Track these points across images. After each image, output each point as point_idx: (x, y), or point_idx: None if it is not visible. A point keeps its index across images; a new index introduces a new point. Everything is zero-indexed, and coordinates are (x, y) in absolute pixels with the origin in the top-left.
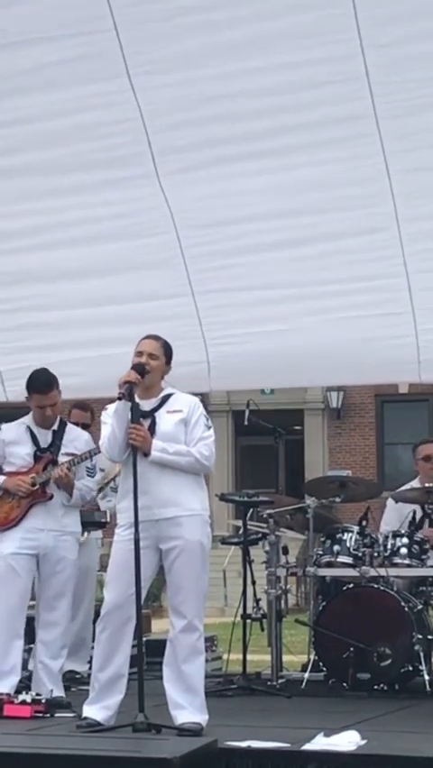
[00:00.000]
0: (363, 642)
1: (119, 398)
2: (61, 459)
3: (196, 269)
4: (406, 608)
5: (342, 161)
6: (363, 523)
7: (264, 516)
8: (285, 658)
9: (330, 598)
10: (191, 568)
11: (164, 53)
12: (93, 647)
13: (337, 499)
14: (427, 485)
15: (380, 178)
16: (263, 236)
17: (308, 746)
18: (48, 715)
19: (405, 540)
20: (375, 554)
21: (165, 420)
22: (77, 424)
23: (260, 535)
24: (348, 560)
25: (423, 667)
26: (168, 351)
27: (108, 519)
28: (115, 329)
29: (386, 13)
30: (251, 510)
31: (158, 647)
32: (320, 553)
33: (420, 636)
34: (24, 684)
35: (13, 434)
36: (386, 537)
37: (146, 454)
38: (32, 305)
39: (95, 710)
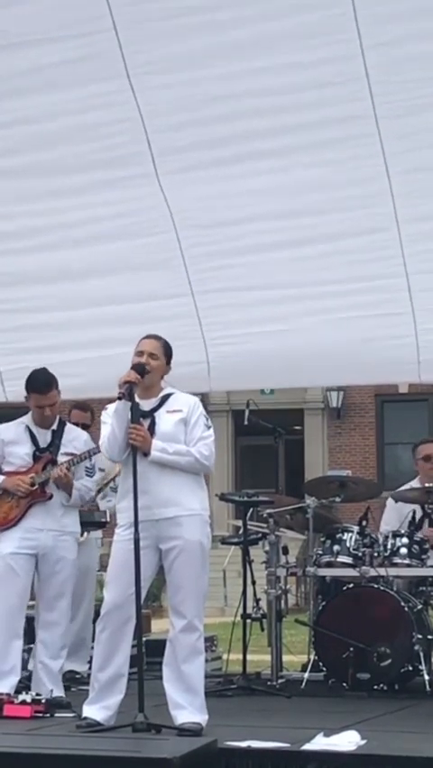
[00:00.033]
0: (363, 642)
1: (119, 398)
2: (60, 459)
3: (196, 269)
4: (406, 608)
5: (342, 162)
6: (363, 523)
7: (264, 516)
8: (285, 658)
9: (330, 598)
10: (191, 568)
11: (164, 53)
12: (93, 647)
13: (337, 499)
14: (427, 485)
15: (380, 178)
16: (263, 236)
17: (308, 746)
18: (48, 715)
19: (405, 540)
20: (375, 554)
21: (165, 420)
22: (77, 424)
23: (260, 535)
24: (348, 560)
25: (423, 667)
26: (168, 350)
27: (108, 519)
28: (114, 329)
29: (386, 11)
30: (251, 510)
31: (158, 647)
32: (320, 552)
33: (420, 636)
34: (24, 684)
35: (12, 433)
36: (386, 537)
37: (146, 454)
38: (32, 305)
39: (95, 710)
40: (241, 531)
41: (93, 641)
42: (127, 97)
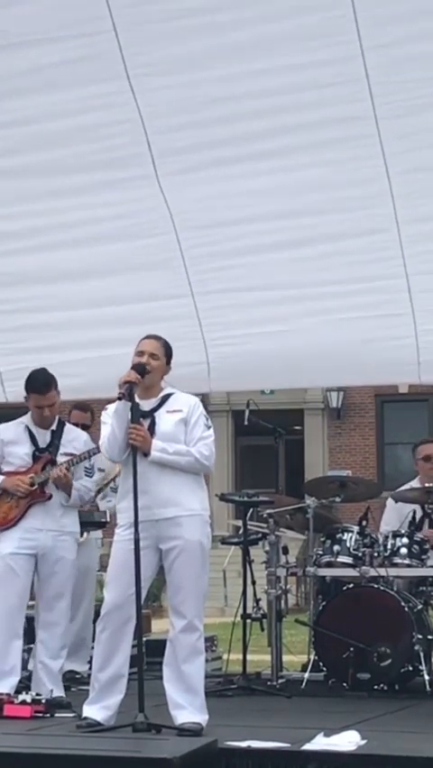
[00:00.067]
0: (364, 642)
1: (119, 398)
2: (60, 459)
3: (196, 269)
4: (406, 608)
5: (342, 163)
6: (363, 523)
7: (264, 516)
8: (285, 658)
9: (330, 598)
10: (191, 568)
11: (164, 54)
12: (93, 647)
13: (337, 499)
14: (427, 485)
15: (380, 179)
16: (263, 237)
17: (308, 746)
18: (48, 715)
19: (405, 540)
20: (375, 554)
21: (165, 420)
22: (77, 424)
23: (260, 535)
24: (348, 560)
25: (423, 667)
26: (168, 351)
27: (108, 519)
28: (114, 330)
29: (386, 13)
30: (251, 510)
31: (158, 647)
32: (320, 553)
33: (420, 636)
34: (24, 684)
35: (11, 433)
36: (386, 537)
37: (146, 454)
38: (32, 305)
39: (95, 710)
40: (241, 531)
41: (93, 641)
42: (127, 99)
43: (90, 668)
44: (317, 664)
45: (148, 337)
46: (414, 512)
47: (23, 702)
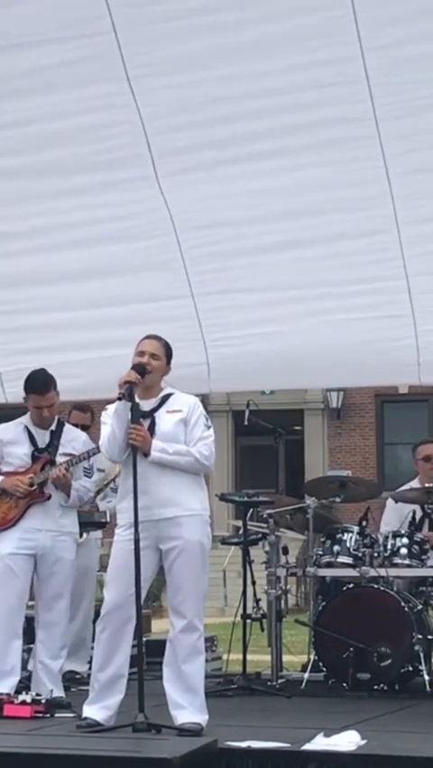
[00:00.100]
0: (364, 642)
1: (119, 398)
2: (59, 459)
3: (195, 270)
4: (406, 609)
5: (342, 163)
6: (363, 523)
7: (264, 516)
8: (285, 658)
9: (330, 598)
10: (191, 568)
11: (164, 55)
12: (93, 647)
13: (337, 499)
14: (427, 485)
15: (379, 180)
16: (263, 238)
17: (308, 746)
18: (48, 715)
19: (405, 540)
20: (375, 555)
21: (165, 420)
22: (76, 425)
23: (260, 536)
24: (348, 560)
25: (423, 667)
26: (168, 351)
27: (108, 520)
28: (114, 331)
29: (386, 14)
30: (251, 510)
31: (158, 647)
32: (320, 553)
33: (420, 636)
34: (24, 684)
35: (11, 433)
36: (386, 537)
37: (146, 454)
38: (32, 306)
39: (95, 710)
40: (241, 531)
41: (93, 641)
42: (127, 99)
43: (90, 668)
44: (317, 664)
45: (149, 337)
46: (414, 512)
47: (23, 702)
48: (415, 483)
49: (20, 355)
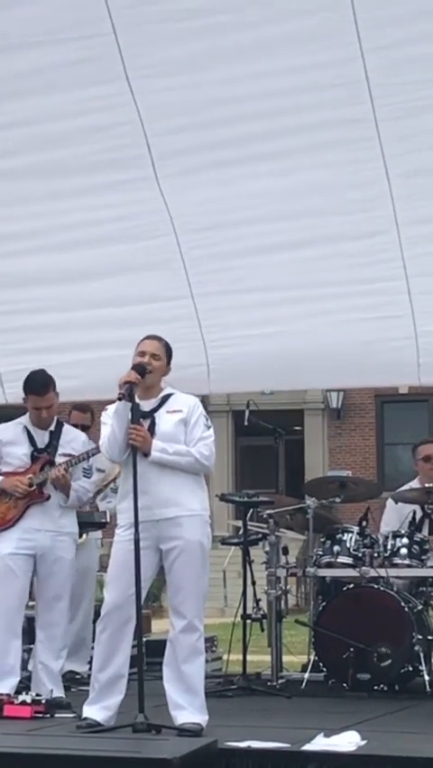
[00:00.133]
0: (364, 642)
1: (119, 399)
2: (58, 459)
3: (195, 271)
4: (406, 609)
5: (342, 165)
6: (363, 523)
7: (264, 516)
8: (285, 658)
9: (330, 598)
10: (191, 568)
11: (164, 56)
12: (93, 647)
13: (337, 500)
14: (427, 485)
15: (379, 181)
16: (263, 238)
17: (308, 747)
18: (48, 715)
19: (405, 540)
20: (375, 555)
21: (165, 420)
22: (76, 425)
23: (260, 536)
24: (348, 560)
25: (423, 667)
26: (169, 351)
27: (108, 520)
28: (114, 331)
29: (386, 15)
30: (251, 510)
31: (158, 647)
32: (320, 553)
33: (420, 637)
34: (24, 685)
35: (10, 434)
36: (386, 538)
37: (146, 455)
38: (32, 307)
39: (95, 711)
40: (241, 531)
41: (93, 641)
42: (127, 100)
43: (90, 668)
44: (317, 665)
45: (149, 337)
46: (414, 512)
47: (23, 703)
48: (415, 483)
49: (20, 355)
